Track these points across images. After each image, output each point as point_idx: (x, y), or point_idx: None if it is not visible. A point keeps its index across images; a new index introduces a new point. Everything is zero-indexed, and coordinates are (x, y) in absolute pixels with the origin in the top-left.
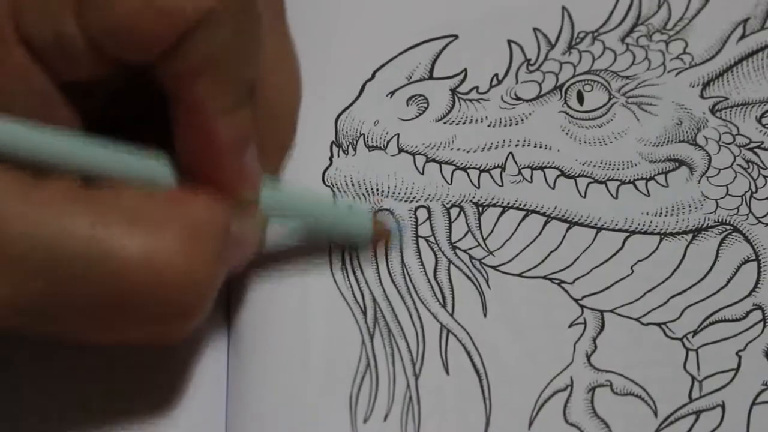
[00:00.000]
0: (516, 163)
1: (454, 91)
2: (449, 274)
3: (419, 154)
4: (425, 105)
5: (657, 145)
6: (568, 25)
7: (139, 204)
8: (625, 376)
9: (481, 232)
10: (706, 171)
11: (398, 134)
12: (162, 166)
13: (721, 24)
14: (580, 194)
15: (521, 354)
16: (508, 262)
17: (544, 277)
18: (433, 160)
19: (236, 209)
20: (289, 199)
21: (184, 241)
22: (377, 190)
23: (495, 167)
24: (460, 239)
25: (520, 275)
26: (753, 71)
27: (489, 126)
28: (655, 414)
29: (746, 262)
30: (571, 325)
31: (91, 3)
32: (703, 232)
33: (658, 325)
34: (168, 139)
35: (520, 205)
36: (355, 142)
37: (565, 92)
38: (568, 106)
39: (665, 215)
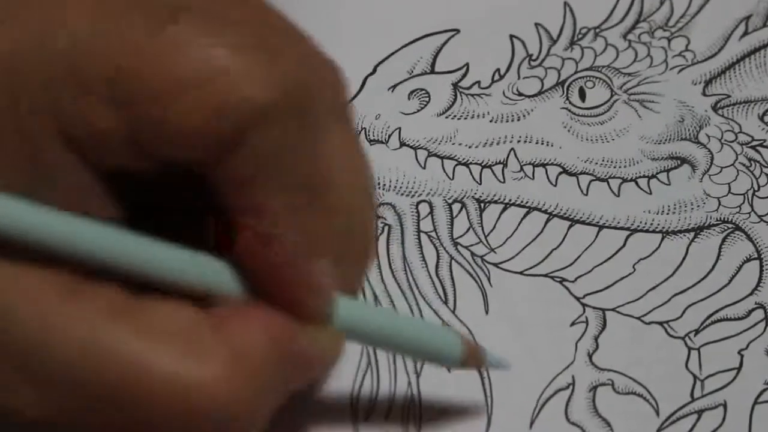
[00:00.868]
0: (518, 159)
1: (455, 85)
2: (451, 271)
3: (421, 148)
4: (427, 99)
5: (659, 143)
6: (570, 20)
7: (189, 326)
8: (627, 375)
9: (482, 229)
10: (709, 169)
11: (400, 128)
12: (221, 273)
13: (723, 21)
14: (582, 192)
15: (523, 352)
16: (509, 260)
17: (545, 275)
18: (435, 155)
19: (305, 326)
20: (369, 318)
21: (229, 370)
22: (378, 184)
23: (497, 163)
24: (462, 235)
25: (521, 273)
26: (755, 69)
27: (491, 121)
28: (657, 413)
29: (748, 260)
30: (572, 324)
31: (136, 99)
32: (705, 231)
33: (660, 323)
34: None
35: (521, 202)
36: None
37: (567, 88)
38: (570, 103)
39: (667, 213)
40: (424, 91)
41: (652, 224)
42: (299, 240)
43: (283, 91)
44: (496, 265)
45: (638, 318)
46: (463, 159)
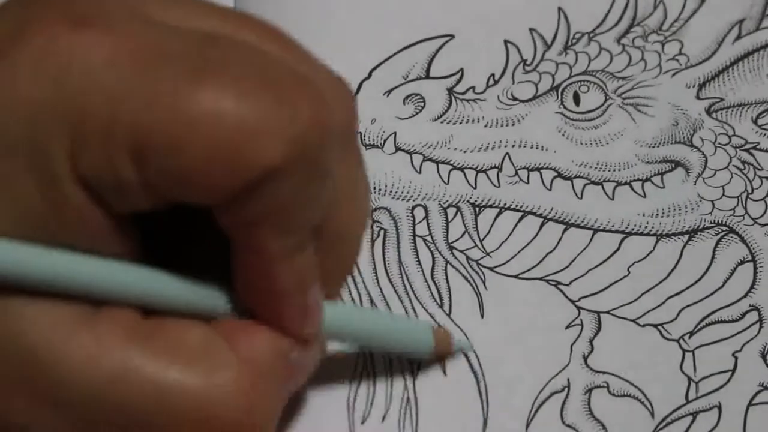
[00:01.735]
0: (512, 163)
1: (450, 90)
2: (446, 275)
3: (416, 152)
4: (422, 104)
5: (653, 146)
6: (564, 25)
7: (203, 341)
8: (622, 378)
9: (478, 233)
10: (702, 172)
11: (395, 133)
12: (221, 299)
13: (716, 25)
14: (576, 195)
15: (518, 355)
16: (505, 264)
17: (540, 279)
18: (430, 159)
19: (298, 342)
20: (349, 321)
21: (245, 380)
22: (374, 188)
23: (492, 168)
24: (457, 239)
25: (517, 276)
26: (749, 72)
27: (486, 126)
28: (652, 415)
29: (742, 263)
30: (567, 327)
31: (152, 149)
32: (699, 234)
33: (655, 326)
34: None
35: (516, 206)
36: None
37: (562, 93)
38: (565, 107)
39: (661, 216)
40: (419, 96)
41: (646, 227)
42: (294, 277)
43: (298, 150)
44: (491, 269)
45: (633, 320)
46: (458, 163)
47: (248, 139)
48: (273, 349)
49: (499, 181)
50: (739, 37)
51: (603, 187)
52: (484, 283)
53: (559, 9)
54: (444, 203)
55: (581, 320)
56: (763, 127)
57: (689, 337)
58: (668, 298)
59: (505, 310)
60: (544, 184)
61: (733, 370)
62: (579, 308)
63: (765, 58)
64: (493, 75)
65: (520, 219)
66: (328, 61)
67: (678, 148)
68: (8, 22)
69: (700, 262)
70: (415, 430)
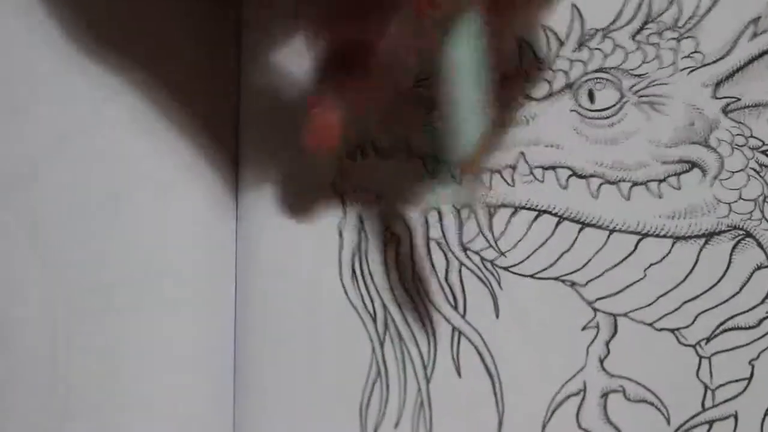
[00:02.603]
0: (527, 162)
1: None
2: (461, 276)
3: None
4: None
5: (669, 146)
6: (578, 22)
7: None
8: (638, 382)
9: (492, 233)
10: (719, 174)
11: None
12: None
13: (732, 22)
14: (592, 195)
15: (534, 356)
16: (520, 263)
17: (556, 279)
18: None
19: None
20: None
21: None
22: None
23: (506, 167)
24: (471, 240)
25: (532, 276)
26: (765, 70)
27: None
28: (668, 422)
29: (759, 268)
30: (584, 328)
31: None
32: (715, 237)
33: (671, 331)
34: None
35: (531, 205)
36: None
37: (576, 91)
38: (579, 105)
39: (678, 218)
40: None
41: (662, 229)
42: None
43: None
44: (506, 268)
45: (649, 324)
46: None
47: None
48: None
49: (513, 180)
50: (755, 35)
51: (618, 187)
52: (498, 283)
53: (573, 5)
54: (457, 204)
55: (597, 322)
56: None
57: (706, 344)
58: (684, 303)
59: (520, 311)
60: (559, 183)
61: (750, 379)
62: (595, 310)
63: None
64: None
65: (535, 218)
66: None
67: (694, 148)
68: None
69: (716, 267)
70: None
